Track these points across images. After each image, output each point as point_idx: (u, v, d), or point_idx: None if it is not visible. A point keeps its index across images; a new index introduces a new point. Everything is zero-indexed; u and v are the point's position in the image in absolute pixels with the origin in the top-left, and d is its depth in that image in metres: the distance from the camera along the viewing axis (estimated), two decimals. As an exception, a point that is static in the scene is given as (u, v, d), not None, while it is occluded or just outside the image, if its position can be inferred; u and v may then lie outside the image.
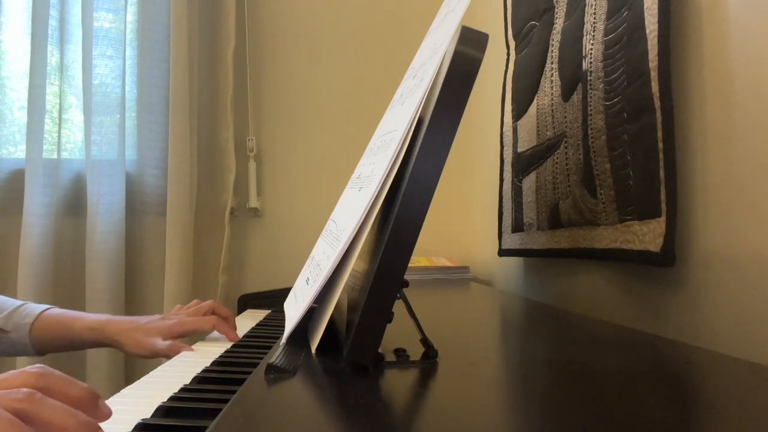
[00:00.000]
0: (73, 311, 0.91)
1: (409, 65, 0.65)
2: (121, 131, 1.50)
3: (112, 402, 0.53)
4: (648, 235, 0.63)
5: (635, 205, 0.66)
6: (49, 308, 0.89)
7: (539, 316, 0.76)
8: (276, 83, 1.65)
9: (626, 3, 0.68)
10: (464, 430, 0.31)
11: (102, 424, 0.38)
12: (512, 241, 1.10)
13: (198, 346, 0.82)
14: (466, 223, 1.65)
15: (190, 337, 0.88)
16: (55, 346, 0.89)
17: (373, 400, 0.37)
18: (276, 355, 0.49)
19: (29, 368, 0.39)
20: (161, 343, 0.81)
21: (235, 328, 0.89)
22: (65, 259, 1.50)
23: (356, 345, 0.43)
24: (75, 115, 1.57)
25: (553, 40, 0.91)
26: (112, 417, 0.40)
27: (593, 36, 0.76)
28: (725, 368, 0.45)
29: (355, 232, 0.47)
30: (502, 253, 1.16)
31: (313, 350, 0.51)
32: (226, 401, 0.41)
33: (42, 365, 0.39)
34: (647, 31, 0.63)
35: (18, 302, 0.89)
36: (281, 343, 0.56)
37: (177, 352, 0.78)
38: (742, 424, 0.31)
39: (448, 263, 1.46)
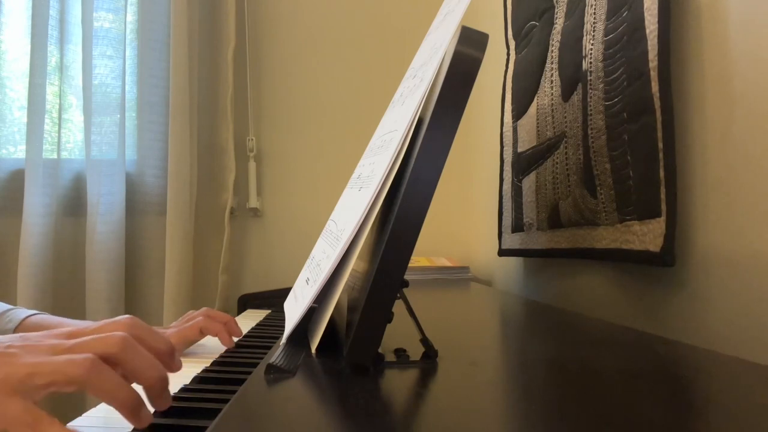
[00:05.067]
0: (58, 317, 0.84)
1: (409, 65, 0.65)
2: (121, 131, 1.50)
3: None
4: (648, 235, 0.63)
5: (635, 205, 0.66)
6: (35, 314, 0.84)
7: (539, 316, 0.76)
8: (276, 83, 1.65)
9: (626, 3, 0.68)
10: (464, 430, 0.31)
11: (101, 424, 0.40)
12: (512, 241, 1.10)
13: None
14: (466, 223, 1.65)
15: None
16: None
17: (373, 400, 0.37)
18: (276, 355, 0.49)
19: (120, 318, 0.44)
20: None
21: (234, 332, 0.80)
22: (65, 259, 1.50)
23: (356, 345, 0.43)
24: (75, 115, 1.57)
25: (553, 40, 0.91)
26: (111, 416, 0.42)
27: (593, 36, 0.76)
28: (725, 368, 0.45)
29: (355, 232, 0.47)
30: (502, 253, 1.16)
31: (313, 350, 0.51)
32: (226, 401, 0.41)
33: (131, 316, 0.44)
34: (647, 31, 0.63)
35: (6, 306, 0.84)
36: (281, 343, 0.56)
37: None
38: (742, 424, 0.31)
39: (448, 263, 1.46)
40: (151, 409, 0.41)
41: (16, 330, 0.81)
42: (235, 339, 0.81)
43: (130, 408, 0.38)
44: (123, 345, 0.40)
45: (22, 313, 0.84)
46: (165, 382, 0.41)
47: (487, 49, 0.43)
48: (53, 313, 0.88)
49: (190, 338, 0.79)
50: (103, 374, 0.38)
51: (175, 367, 0.46)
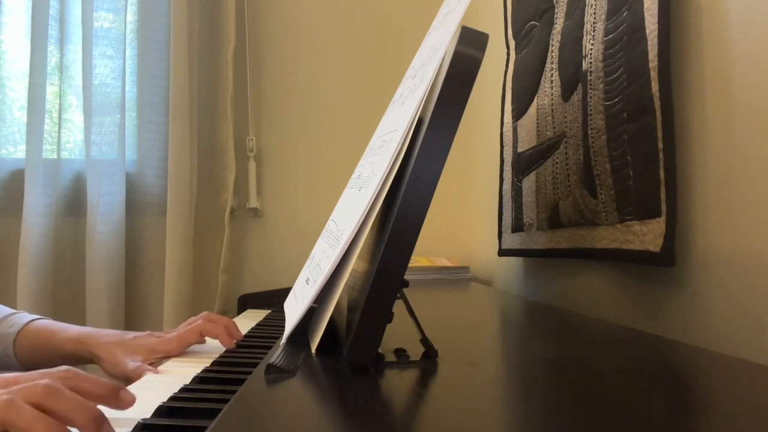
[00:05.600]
0: (61, 323, 0.84)
1: (409, 65, 0.65)
2: (121, 131, 1.50)
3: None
4: (648, 235, 0.63)
5: (635, 205, 0.66)
6: (38, 318, 0.84)
7: (539, 316, 0.76)
8: (276, 83, 1.65)
9: (626, 3, 0.68)
10: (464, 430, 0.31)
11: None
12: (512, 241, 1.10)
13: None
14: (466, 223, 1.65)
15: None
16: (38, 359, 0.81)
17: (373, 400, 0.37)
18: (276, 355, 0.49)
19: (55, 369, 0.44)
20: (131, 364, 0.73)
21: (234, 335, 0.79)
22: (65, 259, 1.50)
23: (356, 345, 0.43)
24: (75, 115, 1.57)
25: (553, 40, 0.91)
26: (112, 416, 0.42)
27: (593, 36, 0.76)
28: (725, 368, 0.45)
29: (355, 232, 0.47)
30: (502, 253, 1.16)
31: (313, 350, 0.51)
32: (226, 401, 0.41)
33: (67, 367, 0.45)
34: (647, 31, 0.63)
35: (10, 311, 0.84)
36: (281, 343, 0.56)
37: (140, 375, 0.69)
38: (742, 424, 0.31)
39: (448, 263, 1.46)
40: None
41: (19, 334, 0.81)
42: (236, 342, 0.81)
43: None
44: (45, 392, 0.41)
45: (25, 317, 0.84)
46: (97, 420, 0.42)
47: (487, 49, 0.43)
48: (53, 314, 0.88)
49: (190, 341, 0.79)
50: (20, 412, 0.39)
51: (123, 405, 0.46)
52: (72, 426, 0.41)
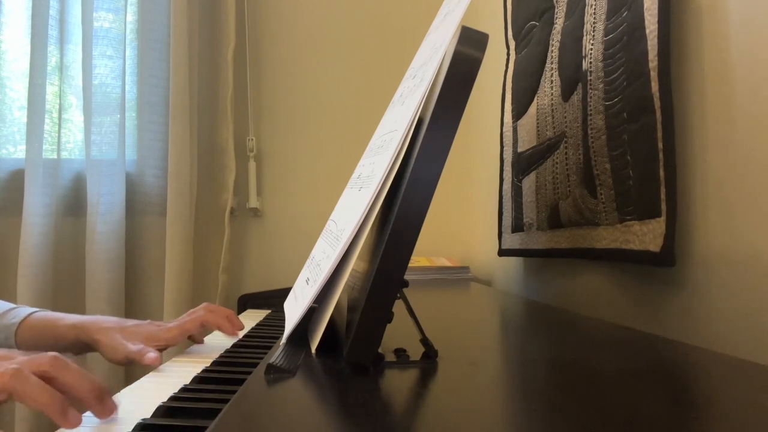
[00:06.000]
0: (61, 313, 0.85)
1: (409, 65, 0.65)
2: (121, 131, 1.50)
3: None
4: (648, 235, 0.63)
5: (635, 205, 0.66)
6: (37, 311, 0.85)
7: (539, 316, 0.76)
8: (276, 83, 1.65)
9: (626, 3, 0.68)
10: (464, 430, 0.31)
11: (101, 424, 0.42)
12: (512, 241, 1.10)
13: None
14: (466, 223, 1.65)
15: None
16: (39, 348, 0.79)
17: (373, 400, 0.37)
18: (276, 355, 0.49)
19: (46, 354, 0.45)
20: (133, 347, 0.73)
21: (235, 325, 0.82)
22: (65, 259, 1.50)
23: (356, 345, 0.43)
24: (75, 115, 1.57)
25: (553, 40, 0.91)
26: (111, 417, 0.43)
27: (593, 36, 0.76)
28: (725, 368, 0.45)
29: (355, 232, 0.46)
30: (502, 253, 1.16)
31: (313, 350, 0.51)
32: (226, 401, 0.41)
33: (55, 354, 0.45)
34: (647, 31, 0.63)
35: (9, 305, 0.85)
36: (281, 343, 0.56)
37: (143, 357, 0.70)
38: (742, 424, 0.31)
39: (448, 263, 1.46)
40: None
41: (20, 326, 0.82)
42: (239, 332, 0.81)
43: (55, 410, 0.40)
44: (53, 362, 0.43)
45: (26, 310, 0.85)
46: (100, 391, 0.43)
47: (487, 49, 0.43)
48: (53, 314, 0.88)
49: (191, 331, 0.79)
50: (27, 381, 0.40)
51: (105, 412, 0.46)
52: (76, 397, 0.42)
